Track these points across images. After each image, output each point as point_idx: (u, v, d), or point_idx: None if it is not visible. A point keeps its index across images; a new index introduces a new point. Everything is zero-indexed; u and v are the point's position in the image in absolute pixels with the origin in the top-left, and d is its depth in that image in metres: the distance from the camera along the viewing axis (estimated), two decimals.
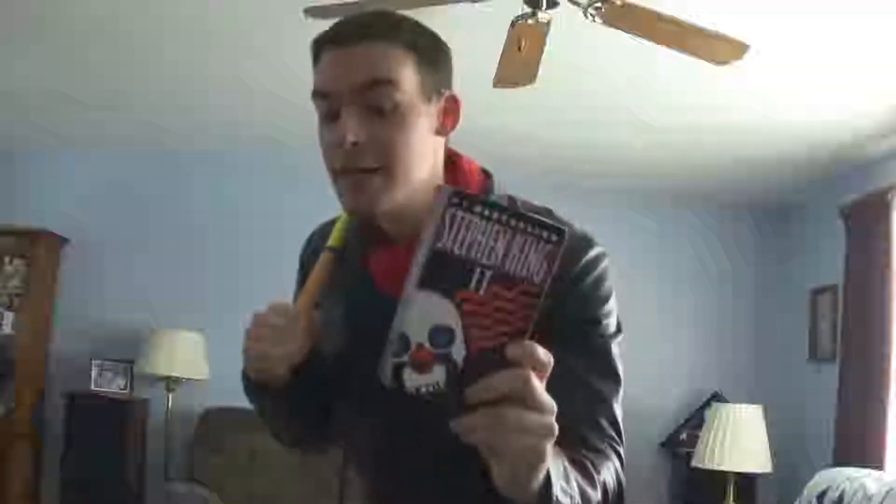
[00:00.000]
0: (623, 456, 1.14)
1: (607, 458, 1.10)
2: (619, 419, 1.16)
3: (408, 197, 1.12)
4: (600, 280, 1.16)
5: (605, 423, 1.13)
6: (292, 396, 1.17)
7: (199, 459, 4.82)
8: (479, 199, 0.80)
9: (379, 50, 1.10)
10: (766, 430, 4.46)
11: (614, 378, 1.16)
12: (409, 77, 1.11)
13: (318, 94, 1.12)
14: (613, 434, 1.14)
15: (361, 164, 1.09)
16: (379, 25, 1.12)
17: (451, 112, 1.18)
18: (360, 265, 1.20)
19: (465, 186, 1.17)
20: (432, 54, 1.16)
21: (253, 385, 1.17)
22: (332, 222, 1.28)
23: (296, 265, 1.46)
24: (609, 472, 1.08)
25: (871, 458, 3.93)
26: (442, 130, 1.17)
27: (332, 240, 1.20)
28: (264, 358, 1.12)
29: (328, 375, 1.21)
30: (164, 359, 4.87)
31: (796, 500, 3.89)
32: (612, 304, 1.18)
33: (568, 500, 0.91)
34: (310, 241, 1.36)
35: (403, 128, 1.10)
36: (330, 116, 1.11)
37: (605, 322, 1.16)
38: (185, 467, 4.89)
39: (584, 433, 1.10)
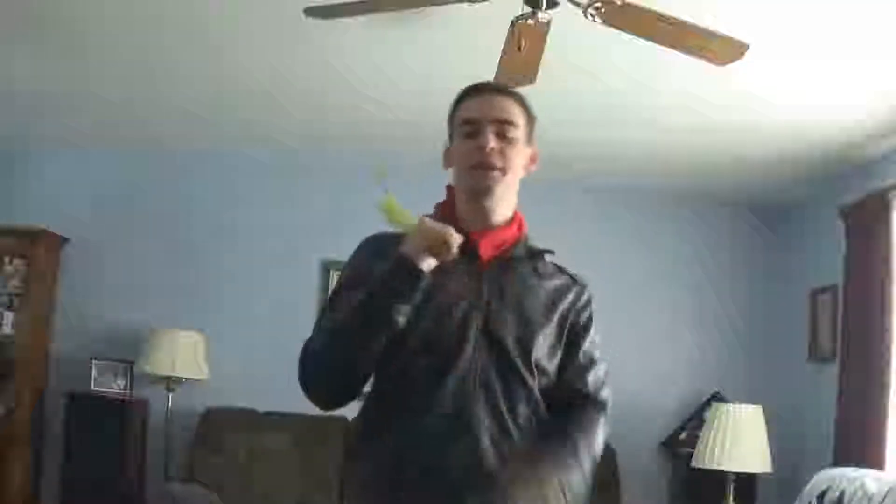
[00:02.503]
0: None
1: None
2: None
3: (500, 198, 1.74)
4: None
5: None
6: (410, 302, 1.62)
7: (199, 459, 4.81)
8: None
9: (509, 101, 1.77)
10: (766, 430, 4.46)
11: None
12: (520, 123, 1.76)
13: (468, 121, 1.74)
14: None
15: (492, 162, 1.71)
16: (506, 88, 1.84)
17: (533, 160, 1.81)
18: (466, 246, 1.70)
19: (521, 221, 1.83)
20: (531, 116, 1.80)
21: (410, 268, 1.62)
22: (391, 234, 1.79)
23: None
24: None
25: (871, 458, 3.93)
26: (525, 169, 1.79)
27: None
28: (446, 231, 1.62)
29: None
30: (164, 359, 4.87)
31: (796, 500, 3.89)
32: None
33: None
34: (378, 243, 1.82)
35: (514, 150, 1.74)
36: (471, 135, 1.73)
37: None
38: (185, 467, 4.89)
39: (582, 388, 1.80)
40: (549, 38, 2.90)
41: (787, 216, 5.44)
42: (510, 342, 1.68)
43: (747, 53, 2.90)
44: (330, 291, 1.81)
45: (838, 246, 4.53)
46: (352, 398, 1.71)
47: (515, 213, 1.80)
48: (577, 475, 1.64)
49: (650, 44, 2.88)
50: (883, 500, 3.31)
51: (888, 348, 4.02)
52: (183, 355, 4.91)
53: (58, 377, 5.14)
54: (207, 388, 5.05)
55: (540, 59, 3.01)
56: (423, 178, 5.35)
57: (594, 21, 2.77)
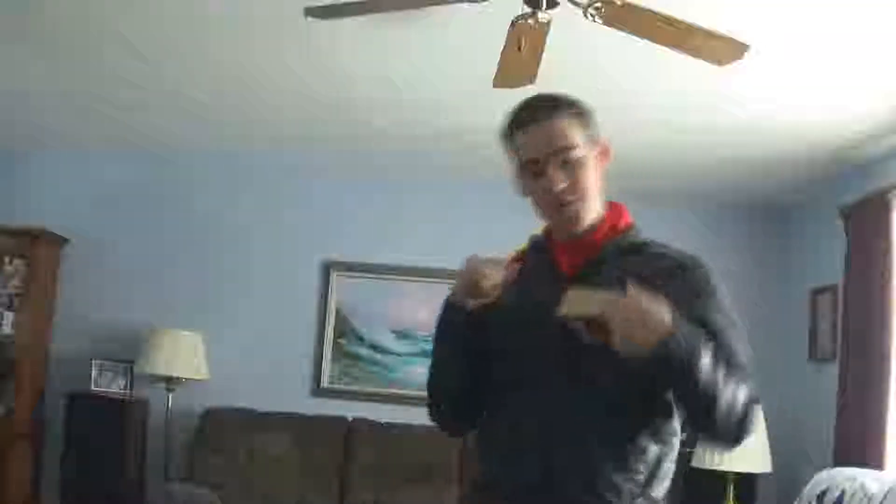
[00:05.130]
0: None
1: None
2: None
3: (585, 217, 1.69)
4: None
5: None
6: (471, 334, 1.68)
7: (199, 459, 4.82)
8: None
9: (561, 122, 1.67)
10: (766, 430, 4.45)
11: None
12: (580, 137, 1.68)
13: (529, 161, 1.67)
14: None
15: (566, 199, 1.66)
16: (554, 106, 1.69)
17: (605, 152, 1.74)
18: (548, 259, 1.74)
19: (617, 219, 1.76)
20: (587, 117, 1.72)
21: (454, 309, 1.68)
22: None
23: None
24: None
25: (871, 458, 3.93)
26: (601, 166, 1.73)
27: (519, 252, 1.80)
28: (480, 273, 1.62)
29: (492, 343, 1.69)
30: (164, 359, 4.87)
31: (796, 500, 3.89)
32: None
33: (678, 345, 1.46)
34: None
35: (584, 172, 1.68)
36: (538, 174, 1.66)
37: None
38: (185, 467, 4.90)
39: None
40: (549, 38, 2.90)
41: (787, 216, 5.44)
42: (587, 350, 1.57)
43: (747, 53, 2.90)
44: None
45: (838, 246, 4.53)
46: (462, 422, 1.82)
47: (607, 215, 1.74)
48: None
49: (650, 44, 2.88)
50: (883, 500, 3.31)
51: (888, 348, 4.02)
52: (183, 355, 4.91)
53: (58, 377, 5.15)
54: (207, 388, 5.05)
55: (540, 59, 3.01)
56: (424, 179, 5.38)
57: (594, 21, 2.77)
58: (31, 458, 4.97)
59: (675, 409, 1.65)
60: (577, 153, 1.67)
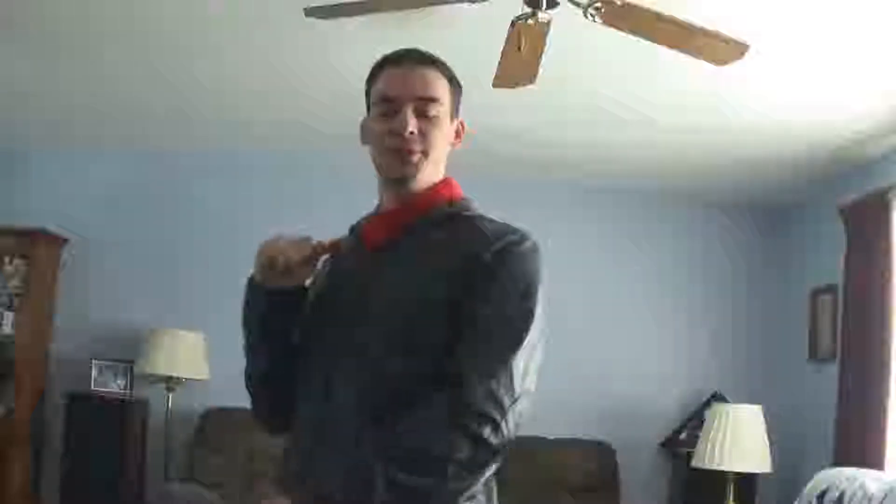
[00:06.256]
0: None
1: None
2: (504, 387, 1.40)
3: (421, 182, 1.57)
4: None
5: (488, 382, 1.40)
6: (277, 317, 1.61)
7: (199, 459, 4.82)
8: None
9: (432, 74, 1.56)
10: (766, 430, 4.46)
11: None
12: (446, 98, 1.57)
13: (385, 98, 1.54)
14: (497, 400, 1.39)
15: (413, 147, 1.53)
16: (429, 57, 1.58)
17: (460, 133, 1.65)
18: (359, 238, 1.66)
19: (439, 191, 1.62)
20: (457, 86, 1.61)
21: (254, 288, 1.65)
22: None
23: None
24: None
25: (871, 458, 3.93)
26: (454, 143, 1.64)
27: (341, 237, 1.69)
28: (275, 249, 1.59)
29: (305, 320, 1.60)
30: (164, 359, 4.87)
31: (796, 500, 3.89)
32: None
33: None
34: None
35: (437, 129, 1.55)
36: (390, 113, 1.53)
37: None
38: (185, 467, 4.89)
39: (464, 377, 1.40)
40: (549, 38, 2.90)
41: (787, 216, 5.45)
42: (373, 328, 1.48)
43: (747, 53, 2.90)
44: None
45: (838, 246, 4.53)
46: (280, 416, 1.69)
47: (434, 186, 1.59)
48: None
49: (649, 44, 2.88)
50: (883, 500, 3.31)
51: (888, 348, 4.02)
52: (183, 355, 4.91)
53: (58, 377, 5.14)
54: (207, 388, 5.04)
55: (540, 59, 3.01)
56: None
57: (594, 21, 2.77)
58: (31, 458, 4.96)
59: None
60: (438, 110, 1.54)
